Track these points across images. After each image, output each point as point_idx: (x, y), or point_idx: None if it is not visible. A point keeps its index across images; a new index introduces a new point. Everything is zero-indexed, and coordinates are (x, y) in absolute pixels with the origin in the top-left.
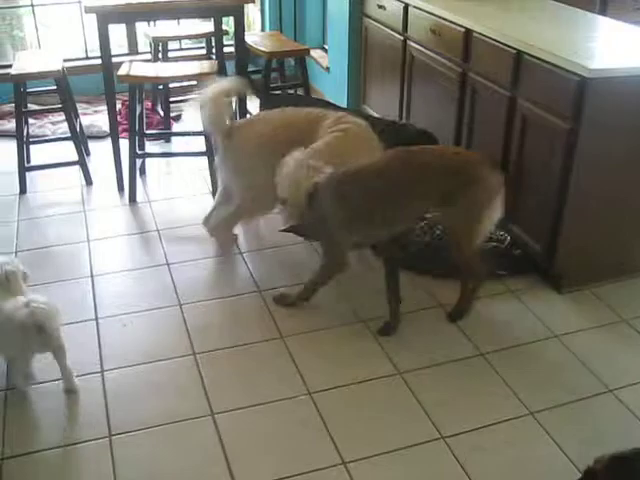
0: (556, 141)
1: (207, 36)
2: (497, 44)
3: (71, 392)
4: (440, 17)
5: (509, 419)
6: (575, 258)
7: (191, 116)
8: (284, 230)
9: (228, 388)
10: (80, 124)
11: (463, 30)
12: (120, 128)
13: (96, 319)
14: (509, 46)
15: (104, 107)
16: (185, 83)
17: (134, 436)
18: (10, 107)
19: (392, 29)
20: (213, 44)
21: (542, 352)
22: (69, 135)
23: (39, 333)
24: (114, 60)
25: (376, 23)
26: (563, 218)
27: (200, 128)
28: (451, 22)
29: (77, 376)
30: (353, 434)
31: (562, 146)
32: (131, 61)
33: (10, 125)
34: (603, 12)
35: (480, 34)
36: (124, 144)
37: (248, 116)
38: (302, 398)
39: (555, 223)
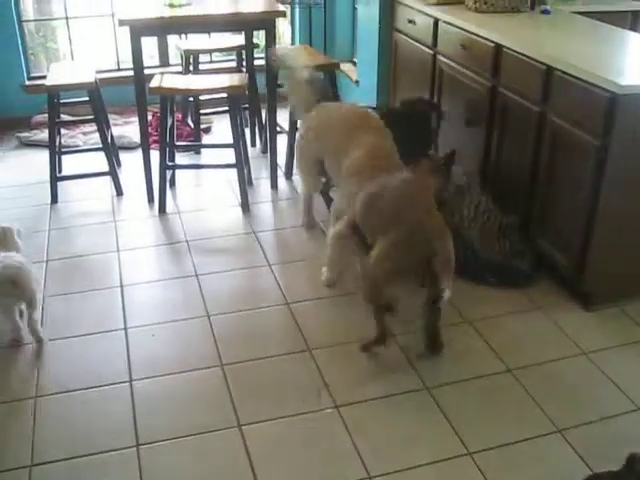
0: (586, 157)
1: (238, 49)
2: (527, 59)
3: (38, 341)
4: (470, 32)
5: (537, 436)
6: (604, 275)
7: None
8: None
9: (255, 400)
10: (111, 135)
11: (493, 45)
12: (150, 139)
13: (125, 329)
14: (539, 61)
15: (135, 118)
16: (216, 95)
17: (161, 446)
18: (43, 117)
19: (422, 43)
20: (244, 57)
21: (570, 369)
22: (100, 146)
23: (13, 286)
24: (145, 72)
25: (406, 37)
26: (593, 234)
27: (229, 140)
28: (481, 37)
29: (107, 385)
30: (380, 448)
31: (592, 162)
32: (162, 73)
33: (43, 135)
34: (634, 28)
35: (510, 49)
36: (154, 155)
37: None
38: (329, 411)
39: (585, 239)
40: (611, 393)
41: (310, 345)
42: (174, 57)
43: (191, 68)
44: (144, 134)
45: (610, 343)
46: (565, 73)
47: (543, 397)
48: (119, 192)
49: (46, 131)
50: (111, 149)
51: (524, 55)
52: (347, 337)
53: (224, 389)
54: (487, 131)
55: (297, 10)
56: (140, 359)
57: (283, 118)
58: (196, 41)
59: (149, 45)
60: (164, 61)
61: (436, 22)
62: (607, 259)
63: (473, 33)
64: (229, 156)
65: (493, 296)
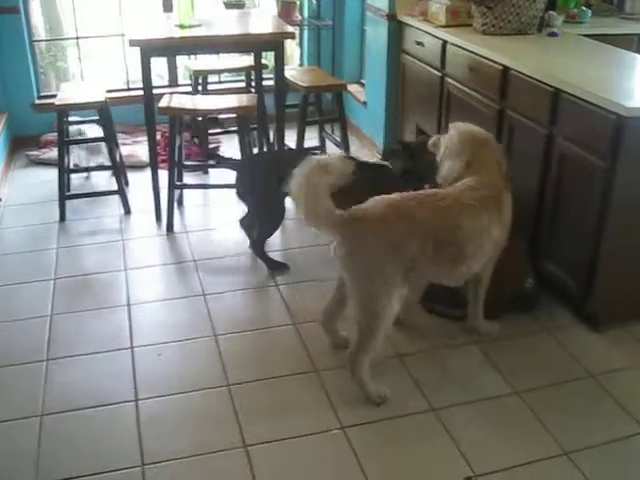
0: (593, 179)
1: (246, 70)
2: (535, 82)
3: None
4: (478, 54)
5: (543, 459)
6: (612, 296)
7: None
8: None
9: (261, 420)
10: (120, 154)
11: (501, 68)
12: (159, 159)
13: (131, 348)
14: (547, 84)
15: (143, 138)
16: (224, 115)
17: (167, 466)
18: (52, 136)
19: (430, 65)
20: (252, 77)
21: (578, 391)
22: (109, 165)
23: None
24: (155, 91)
25: (414, 59)
26: (600, 256)
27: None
28: (489, 59)
29: (112, 404)
30: (386, 470)
31: (600, 184)
32: (171, 93)
33: (52, 154)
34: None
35: (517, 72)
36: (163, 175)
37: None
38: (335, 432)
39: (592, 261)
40: (619, 416)
41: (317, 366)
42: (183, 77)
43: (200, 88)
44: (153, 154)
45: (619, 365)
46: (572, 95)
47: (550, 420)
48: (127, 211)
49: (55, 150)
50: (120, 168)
51: (532, 77)
52: None
53: (230, 409)
54: None
55: (306, 31)
56: (146, 379)
57: (291, 139)
58: (205, 61)
59: (158, 65)
60: (173, 81)
61: (444, 44)
62: (614, 280)
63: (481, 55)
64: None
65: (499, 318)
